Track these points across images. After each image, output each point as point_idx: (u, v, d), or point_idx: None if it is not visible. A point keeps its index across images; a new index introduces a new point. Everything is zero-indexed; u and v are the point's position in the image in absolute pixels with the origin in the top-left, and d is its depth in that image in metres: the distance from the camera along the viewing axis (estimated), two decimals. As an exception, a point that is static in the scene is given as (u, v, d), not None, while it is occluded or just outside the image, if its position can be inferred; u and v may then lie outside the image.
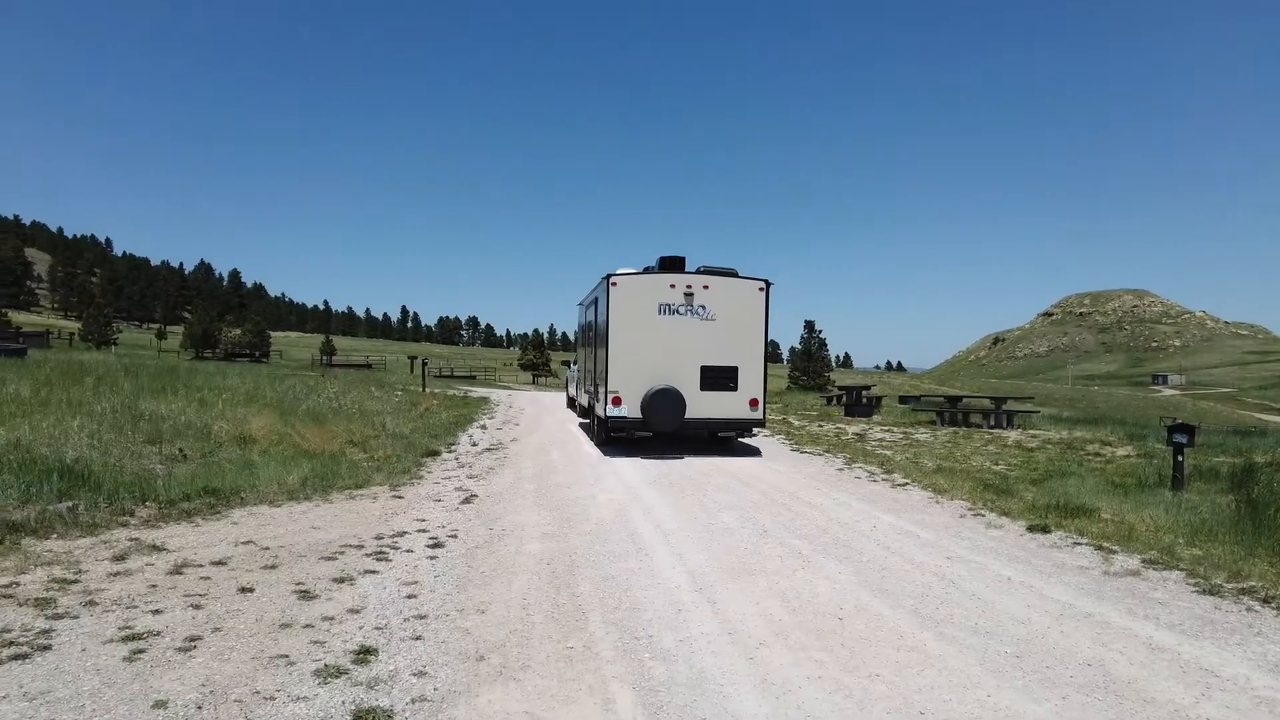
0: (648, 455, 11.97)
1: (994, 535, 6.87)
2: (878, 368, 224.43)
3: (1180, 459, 9.08)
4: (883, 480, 9.82)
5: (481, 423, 17.26)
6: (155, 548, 5.53)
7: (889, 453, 12.88)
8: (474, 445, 12.99)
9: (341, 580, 5.00)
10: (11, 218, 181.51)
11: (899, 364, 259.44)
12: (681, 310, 12.40)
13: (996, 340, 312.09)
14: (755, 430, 13.23)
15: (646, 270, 13.12)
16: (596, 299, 13.71)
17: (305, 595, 4.65)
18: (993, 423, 18.23)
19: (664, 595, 4.89)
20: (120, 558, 5.22)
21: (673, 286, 12.38)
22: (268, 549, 5.71)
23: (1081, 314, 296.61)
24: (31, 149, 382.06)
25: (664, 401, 12.00)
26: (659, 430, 12.19)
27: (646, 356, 12.24)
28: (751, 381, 12.52)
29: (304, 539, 6.07)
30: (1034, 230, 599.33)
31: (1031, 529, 7.04)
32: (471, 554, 5.83)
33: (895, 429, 17.12)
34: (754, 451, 12.89)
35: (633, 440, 13.22)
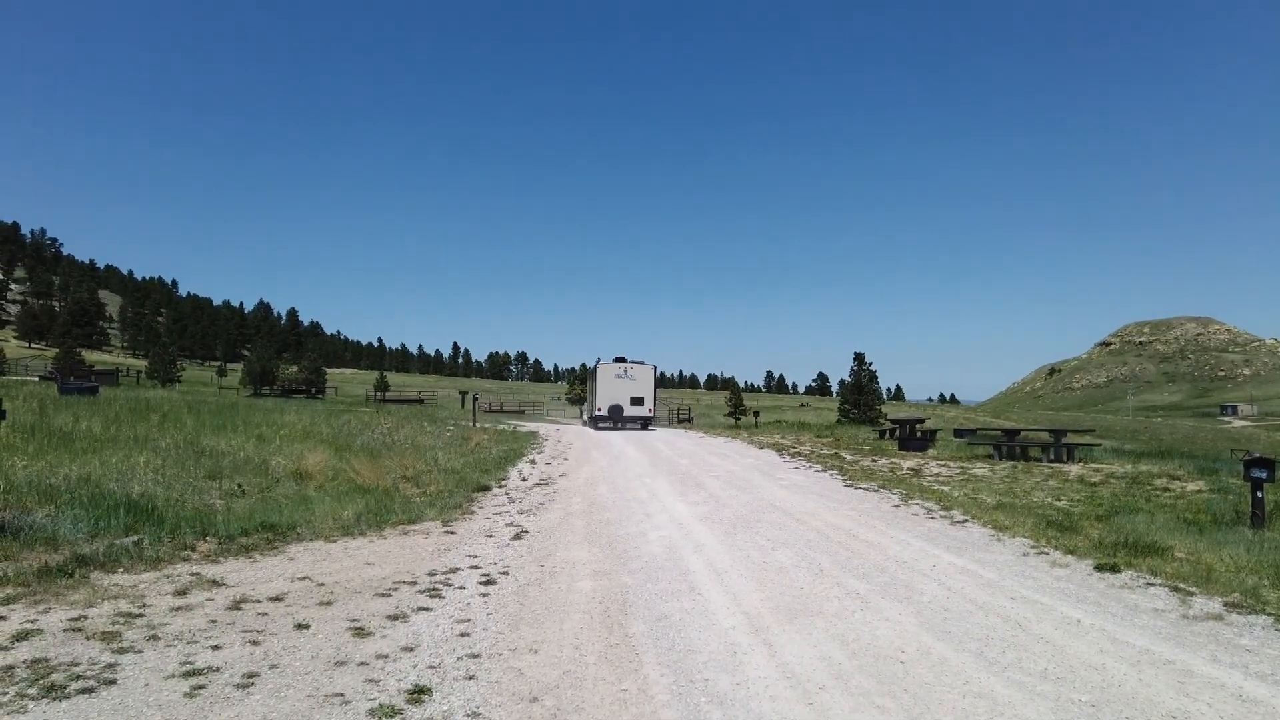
0: (688, 492, 11.86)
1: (1059, 574, 6.59)
2: (930, 400, 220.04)
3: (1260, 495, 8.66)
4: (941, 517, 9.55)
5: (531, 457, 17.34)
6: (215, 583, 5.63)
7: (946, 488, 12.55)
8: (524, 480, 13.04)
9: (395, 617, 5.01)
10: (87, 262, 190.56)
11: (952, 396, 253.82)
12: (621, 375, 32.51)
13: (1052, 371, 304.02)
14: (650, 425, 32.54)
15: (613, 360, 33.09)
16: (590, 370, 36.13)
17: (360, 632, 4.67)
18: (1052, 456, 17.64)
19: (719, 637, 4.79)
20: (182, 592, 5.33)
21: (619, 362, 32.96)
22: (323, 585, 5.78)
23: (1141, 343, 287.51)
24: (104, 194, 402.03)
25: (615, 409, 32.05)
26: (614, 419, 31.75)
27: (608, 393, 32.22)
28: (649, 402, 32.65)
29: (359, 575, 6.12)
30: (1089, 257, 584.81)
31: (1099, 568, 6.75)
32: (523, 591, 5.81)
33: (951, 463, 16.68)
34: (810, 488, 12.68)
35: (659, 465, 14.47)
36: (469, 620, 5.01)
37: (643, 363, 33.04)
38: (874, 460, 17.72)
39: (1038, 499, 11.40)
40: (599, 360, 33.18)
